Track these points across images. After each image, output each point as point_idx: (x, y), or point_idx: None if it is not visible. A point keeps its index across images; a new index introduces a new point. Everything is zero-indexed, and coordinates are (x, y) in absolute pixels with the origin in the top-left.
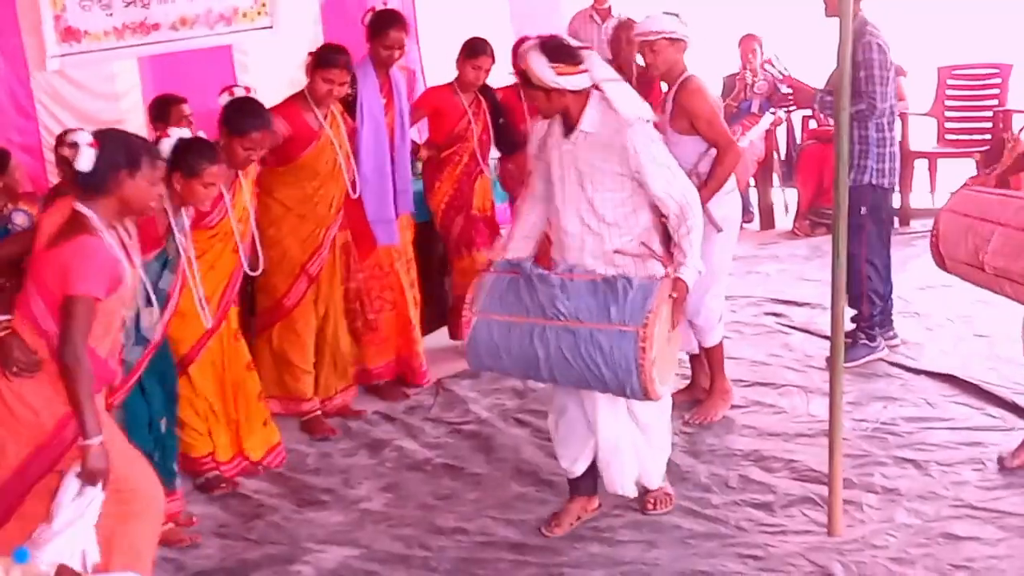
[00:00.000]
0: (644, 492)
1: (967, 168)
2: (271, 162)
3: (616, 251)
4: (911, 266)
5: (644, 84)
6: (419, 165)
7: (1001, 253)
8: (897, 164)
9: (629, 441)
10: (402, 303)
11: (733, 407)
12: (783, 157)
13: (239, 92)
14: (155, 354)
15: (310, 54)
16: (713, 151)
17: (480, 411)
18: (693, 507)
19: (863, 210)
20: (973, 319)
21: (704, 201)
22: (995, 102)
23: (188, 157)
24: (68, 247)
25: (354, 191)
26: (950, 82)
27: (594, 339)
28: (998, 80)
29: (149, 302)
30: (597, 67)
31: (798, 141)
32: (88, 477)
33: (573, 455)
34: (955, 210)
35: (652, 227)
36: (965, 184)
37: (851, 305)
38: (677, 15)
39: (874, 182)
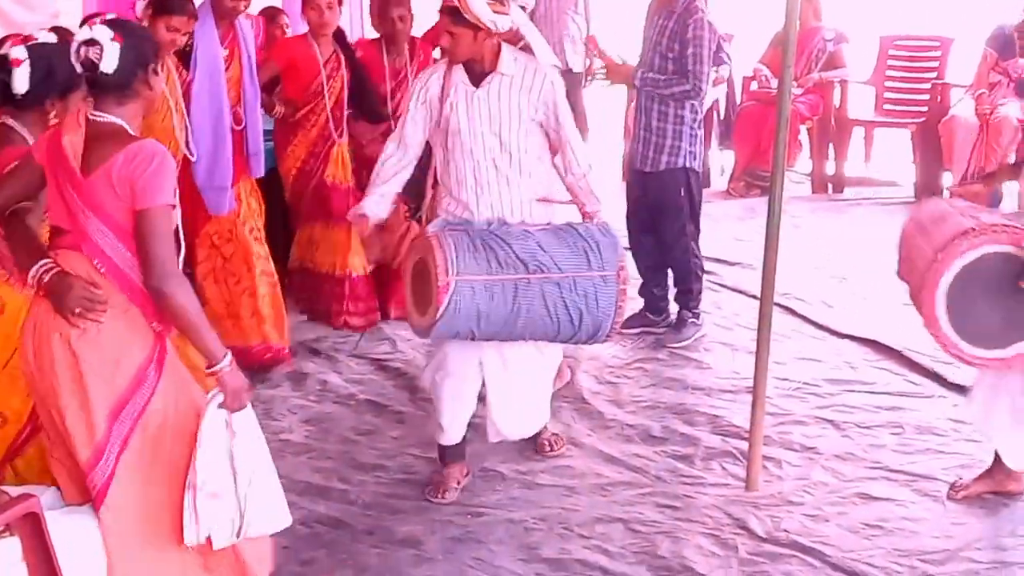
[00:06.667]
0: (537, 435)
1: (903, 138)
2: None
3: (541, 200)
4: (843, 233)
5: None
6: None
7: (907, 259)
8: (702, 148)
9: (524, 389)
10: (249, 279)
11: (658, 360)
12: (722, 117)
13: None
14: None
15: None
16: None
17: (406, 349)
18: (615, 455)
19: (682, 192)
20: (901, 287)
21: None
22: (934, 74)
23: None
24: (125, 158)
25: (192, 153)
26: (891, 52)
27: (579, 287)
28: (938, 53)
29: None
30: (515, 11)
31: (738, 102)
32: (233, 401)
33: (462, 420)
34: (913, 215)
35: (549, 177)
36: (952, 188)
37: (676, 285)
38: None
39: (688, 165)
